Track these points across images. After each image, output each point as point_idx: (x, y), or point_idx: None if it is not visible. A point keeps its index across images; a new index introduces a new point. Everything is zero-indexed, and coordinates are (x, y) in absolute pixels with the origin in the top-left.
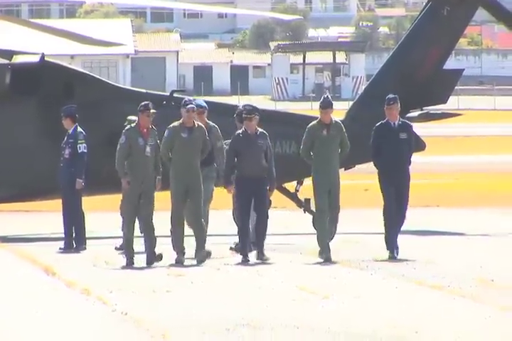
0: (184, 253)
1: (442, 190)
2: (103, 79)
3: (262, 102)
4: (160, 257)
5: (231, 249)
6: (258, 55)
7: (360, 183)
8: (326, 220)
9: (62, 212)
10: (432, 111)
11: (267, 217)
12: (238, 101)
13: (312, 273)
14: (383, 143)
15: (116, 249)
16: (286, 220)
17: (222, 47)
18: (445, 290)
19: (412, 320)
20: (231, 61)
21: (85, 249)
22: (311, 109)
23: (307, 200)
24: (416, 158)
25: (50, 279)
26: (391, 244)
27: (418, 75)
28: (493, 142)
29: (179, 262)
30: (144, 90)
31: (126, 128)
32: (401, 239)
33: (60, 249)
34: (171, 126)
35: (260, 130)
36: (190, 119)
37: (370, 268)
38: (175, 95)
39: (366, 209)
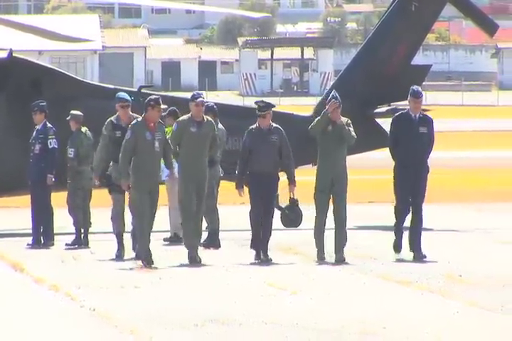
0: (197, 248)
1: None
2: (71, 74)
3: (230, 98)
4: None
5: (164, 239)
6: (226, 51)
7: None
8: (323, 221)
9: (30, 207)
10: (399, 107)
11: (272, 217)
12: (206, 96)
13: (281, 269)
14: (401, 135)
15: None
16: None
17: (190, 42)
18: (413, 286)
19: (380, 315)
20: (199, 57)
21: (53, 244)
22: (279, 104)
23: (275, 196)
24: (384, 154)
25: (19, 275)
26: (398, 241)
27: (386, 71)
28: (462, 138)
29: (193, 259)
30: (111, 86)
31: (133, 122)
32: (368, 235)
33: (28, 245)
34: (180, 119)
35: (274, 125)
36: (199, 113)
37: (338, 263)
38: (143, 91)
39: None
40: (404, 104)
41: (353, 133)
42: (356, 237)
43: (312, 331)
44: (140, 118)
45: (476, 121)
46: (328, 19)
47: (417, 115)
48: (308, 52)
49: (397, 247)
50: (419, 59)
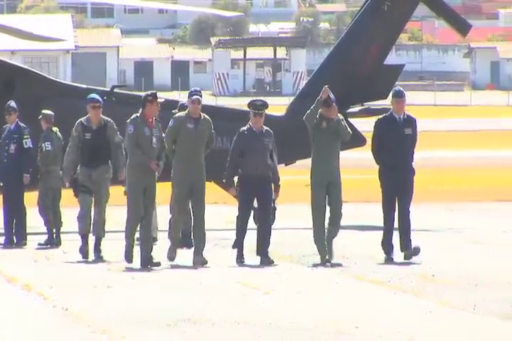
0: (177, 246)
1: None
2: (44, 74)
3: (203, 97)
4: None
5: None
6: (199, 51)
7: (301, 179)
8: (322, 219)
9: (2, 207)
10: (372, 107)
11: (271, 220)
12: (179, 96)
13: (253, 268)
14: (386, 137)
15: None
16: (227, 215)
17: (163, 42)
18: (386, 286)
19: (353, 315)
20: (172, 56)
21: (26, 244)
22: None
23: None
24: (359, 153)
25: None
26: (388, 246)
27: (359, 70)
28: (434, 137)
29: (170, 258)
30: (84, 85)
31: (132, 117)
32: (342, 235)
33: (0, 244)
34: (177, 115)
35: (266, 128)
36: (195, 110)
37: (311, 263)
38: (116, 90)
39: (307, 204)
40: (377, 104)
41: (349, 129)
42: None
43: (285, 330)
44: (138, 114)
45: (449, 121)
46: (301, 19)
47: (401, 116)
48: (281, 52)
49: (387, 250)
50: (391, 59)
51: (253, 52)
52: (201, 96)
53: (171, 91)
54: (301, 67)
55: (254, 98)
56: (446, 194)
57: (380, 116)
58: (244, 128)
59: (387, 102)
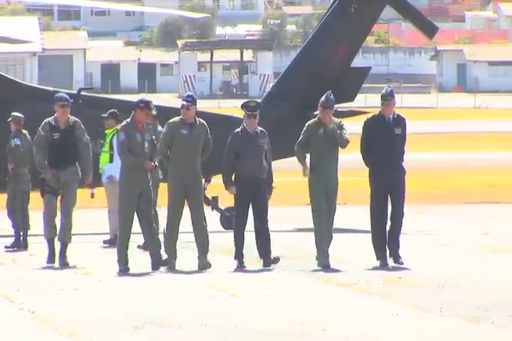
0: (176, 258)
1: (350, 187)
2: (10, 77)
3: (170, 100)
4: (166, 262)
5: (139, 247)
6: (166, 53)
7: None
8: (323, 223)
9: None
10: (339, 109)
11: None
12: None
13: (220, 270)
14: (376, 138)
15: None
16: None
17: (130, 45)
18: (353, 288)
19: (320, 317)
20: (138, 59)
21: None
22: (218, 106)
23: (215, 198)
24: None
25: None
26: (382, 251)
27: (326, 73)
28: None
29: (171, 267)
30: (51, 88)
31: (123, 124)
32: (308, 237)
33: None
34: (171, 121)
35: (260, 128)
36: (188, 115)
37: (278, 265)
38: (83, 93)
39: (276, 206)
40: (344, 107)
41: (347, 136)
42: (295, 238)
43: (252, 333)
44: (129, 120)
45: (416, 124)
46: (268, 21)
47: (391, 116)
48: (248, 55)
49: (379, 256)
50: (358, 61)
51: (220, 54)
52: (195, 101)
53: (138, 94)
54: (267, 70)
55: (221, 100)
56: (414, 196)
57: (369, 117)
58: (238, 129)
59: (353, 105)
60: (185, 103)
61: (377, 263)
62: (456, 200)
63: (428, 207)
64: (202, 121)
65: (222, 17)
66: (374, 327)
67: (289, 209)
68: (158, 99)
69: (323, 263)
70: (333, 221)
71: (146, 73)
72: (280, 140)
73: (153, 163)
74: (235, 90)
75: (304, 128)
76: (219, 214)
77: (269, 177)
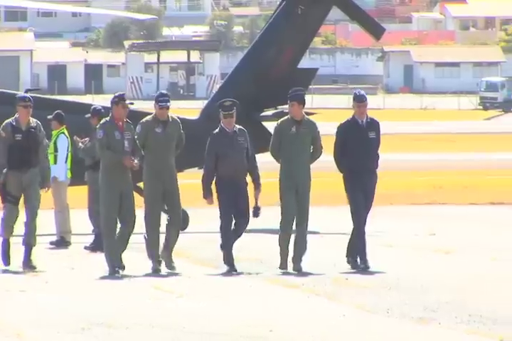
0: (160, 262)
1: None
2: None
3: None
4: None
5: (85, 248)
6: (112, 54)
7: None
8: (291, 227)
9: None
10: (286, 110)
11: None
12: (92, 100)
13: (168, 272)
14: (350, 142)
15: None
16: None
17: (77, 46)
18: (300, 289)
19: (267, 318)
20: (85, 60)
21: None
22: None
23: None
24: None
25: None
26: (364, 254)
27: (273, 74)
28: None
29: (156, 271)
30: None
31: (102, 122)
32: (255, 238)
33: None
34: (144, 120)
35: (238, 127)
36: (163, 114)
37: (224, 266)
38: (29, 94)
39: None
40: None
41: (319, 146)
42: (243, 241)
43: (199, 334)
44: (108, 118)
45: None
46: (215, 22)
47: (364, 120)
48: (195, 56)
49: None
50: (305, 62)
51: (167, 55)
52: (169, 99)
53: (85, 95)
54: (214, 71)
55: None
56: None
57: (342, 121)
58: (217, 130)
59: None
60: (162, 104)
61: (349, 267)
62: (403, 201)
63: (375, 208)
64: (174, 117)
65: (169, 18)
66: (321, 328)
67: None
68: (105, 101)
69: (284, 267)
70: (307, 223)
71: (93, 74)
72: None
73: (135, 161)
74: (181, 91)
75: (274, 129)
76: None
77: (255, 173)
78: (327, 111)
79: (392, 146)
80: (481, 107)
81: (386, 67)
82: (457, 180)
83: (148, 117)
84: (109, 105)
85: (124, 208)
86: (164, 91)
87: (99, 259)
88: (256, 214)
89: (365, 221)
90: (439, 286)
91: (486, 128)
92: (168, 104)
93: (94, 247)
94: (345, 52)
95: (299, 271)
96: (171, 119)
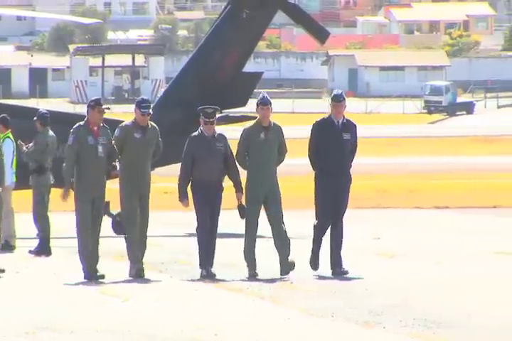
0: (142, 263)
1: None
2: None
3: (62, 105)
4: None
5: (30, 252)
6: (57, 58)
7: (160, 186)
8: (254, 232)
9: None
10: (231, 114)
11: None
12: (37, 104)
13: (113, 276)
14: (323, 141)
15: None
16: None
17: (21, 49)
18: (244, 293)
19: (212, 322)
20: (30, 63)
21: None
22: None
23: (106, 203)
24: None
25: None
26: (336, 260)
27: (218, 78)
28: (293, 145)
29: (138, 273)
30: None
31: (75, 126)
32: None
33: None
34: (123, 124)
35: (218, 132)
36: (144, 120)
37: (169, 270)
38: None
39: (167, 211)
40: (236, 111)
41: (284, 151)
42: (187, 243)
43: (145, 338)
44: (82, 122)
45: (307, 128)
46: (160, 26)
47: (340, 121)
48: (140, 60)
49: (316, 264)
50: (250, 66)
51: (111, 59)
52: (150, 105)
53: (29, 99)
54: (159, 75)
55: (113, 105)
56: (307, 201)
57: (318, 119)
58: (196, 133)
59: (245, 110)
60: (145, 111)
61: (314, 272)
62: (348, 205)
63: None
64: (153, 124)
65: (113, 22)
66: (265, 332)
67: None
68: (49, 104)
69: (253, 274)
70: (284, 227)
71: (38, 78)
72: (171, 146)
73: (115, 171)
74: (126, 95)
75: (241, 136)
76: (110, 219)
77: (236, 177)
78: (272, 115)
79: None
80: (425, 111)
81: (331, 71)
82: (402, 184)
83: (127, 122)
84: (53, 109)
85: (95, 213)
86: (146, 97)
87: (44, 263)
88: (242, 214)
89: (329, 223)
90: (384, 290)
91: (431, 132)
92: (150, 110)
93: (38, 251)
94: (290, 56)
95: (288, 273)
96: (150, 126)
